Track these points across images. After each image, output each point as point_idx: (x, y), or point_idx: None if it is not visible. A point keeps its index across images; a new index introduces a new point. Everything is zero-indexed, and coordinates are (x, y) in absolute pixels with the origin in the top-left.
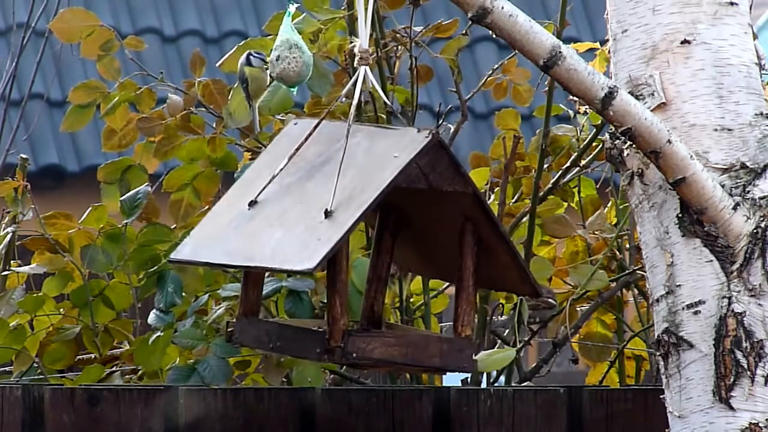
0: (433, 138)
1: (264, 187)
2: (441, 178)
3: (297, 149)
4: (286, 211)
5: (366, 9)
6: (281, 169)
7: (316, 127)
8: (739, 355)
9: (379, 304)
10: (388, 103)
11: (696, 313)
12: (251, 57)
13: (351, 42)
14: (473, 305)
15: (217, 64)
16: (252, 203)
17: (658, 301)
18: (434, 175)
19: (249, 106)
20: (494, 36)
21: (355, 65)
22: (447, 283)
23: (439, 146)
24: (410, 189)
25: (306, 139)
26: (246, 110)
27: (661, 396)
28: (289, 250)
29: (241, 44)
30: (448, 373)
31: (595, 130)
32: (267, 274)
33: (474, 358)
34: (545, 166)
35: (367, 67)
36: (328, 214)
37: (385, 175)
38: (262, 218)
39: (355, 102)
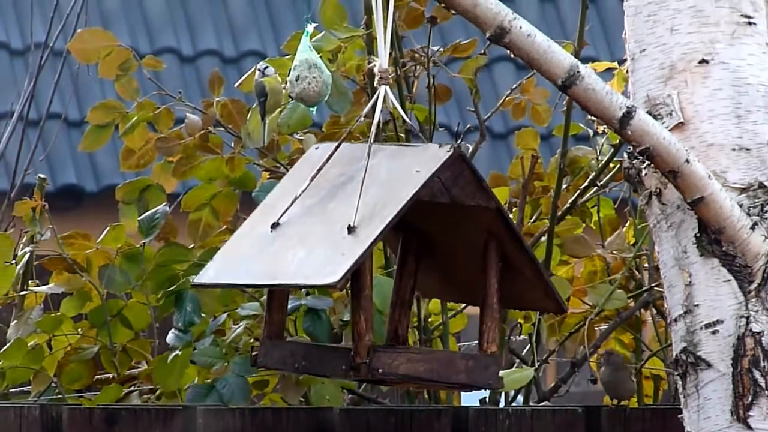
0: (455, 152)
1: (286, 210)
2: (463, 192)
3: (318, 170)
4: (309, 231)
5: (385, 29)
6: (303, 191)
7: (337, 147)
8: (757, 374)
9: (404, 328)
10: (408, 122)
11: (714, 332)
12: (260, 71)
13: (370, 62)
14: (498, 322)
15: (236, 84)
16: (274, 225)
17: (676, 320)
18: (456, 189)
19: (262, 120)
20: (512, 56)
21: (375, 85)
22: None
23: (460, 160)
24: (433, 207)
25: (327, 160)
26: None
27: (679, 415)
28: (313, 267)
29: (259, 64)
30: (471, 391)
31: (613, 150)
32: (290, 293)
33: (499, 374)
34: (564, 186)
35: (388, 87)
36: (351, 229)
37: (408, 189)
38: (285, 239)
39: (375, 122)
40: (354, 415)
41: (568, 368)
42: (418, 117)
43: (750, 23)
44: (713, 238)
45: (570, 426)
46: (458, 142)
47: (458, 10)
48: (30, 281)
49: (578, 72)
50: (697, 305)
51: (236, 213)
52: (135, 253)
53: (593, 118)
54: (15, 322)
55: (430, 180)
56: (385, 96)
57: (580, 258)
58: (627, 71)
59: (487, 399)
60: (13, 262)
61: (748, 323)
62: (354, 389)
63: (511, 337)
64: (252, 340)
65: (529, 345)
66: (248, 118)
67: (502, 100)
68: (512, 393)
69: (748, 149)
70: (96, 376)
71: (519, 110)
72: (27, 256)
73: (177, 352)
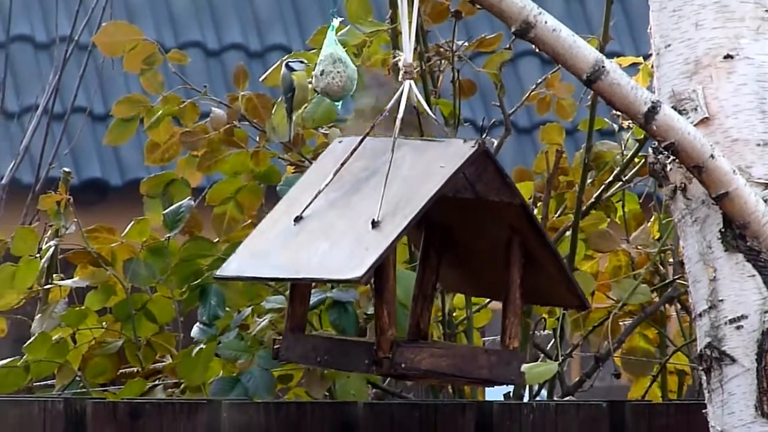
0: (480, 147)
1: (310, 203)
2: (488, 187)
3: (342, 164)
4: (333, 225)
5: (410, 23)
6: (327, 185)
7: (361, 142)
8: None
9: (425, 322)
10: (433, 116)
11: (738, 327)
12: (291, 65)
13: (395, 56)
14: (520, 318)
15: (261, 79)
16: (298, 219)
17: (700, 315)
18: (481, 185)
19: (289, 116)
20: (537, 50)
21: (399, 79)
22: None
23: (485, 156)
24: (456, 202)
25: (351, 154)
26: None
27: (704, 411)
28: (337, 261)
29: (284, 58)
30: (493, 386)
31: (638, 144)
32: (313, 286)
33: (522, 370)
34: (589, 180)
35: (412, 81)
36: (375, 224)
37: (432, 184)
38: (308, 232)
39: (399, 116)
40: (378, 410)
41: (593, 363)
42: (443, 112)
43: None
44: (738, 234)
45: (594, 421)
46: (483, 136)
47: (483, 4)
48: (54, 275)
49: (603, 67)
50: (721, 300)
51: (261, 207)
52: (160, 247)
53: (618, 113)
54: (39, 315)
55: (455, 175)
56: (409, 90)
57: (605, 253)
58: (652, 66)
59: (511, 393)
60: (38, 255)
61: None
62: (378, 383)
63: (536, 331)
64: (276, 334)
65: (553, 340)
66: (273, 112)
67: (527, 95)
68: (536, 387)
69: None
70: (120, 370)
71: (544, 105)
72: (51, 250)
73: (201, 345)
